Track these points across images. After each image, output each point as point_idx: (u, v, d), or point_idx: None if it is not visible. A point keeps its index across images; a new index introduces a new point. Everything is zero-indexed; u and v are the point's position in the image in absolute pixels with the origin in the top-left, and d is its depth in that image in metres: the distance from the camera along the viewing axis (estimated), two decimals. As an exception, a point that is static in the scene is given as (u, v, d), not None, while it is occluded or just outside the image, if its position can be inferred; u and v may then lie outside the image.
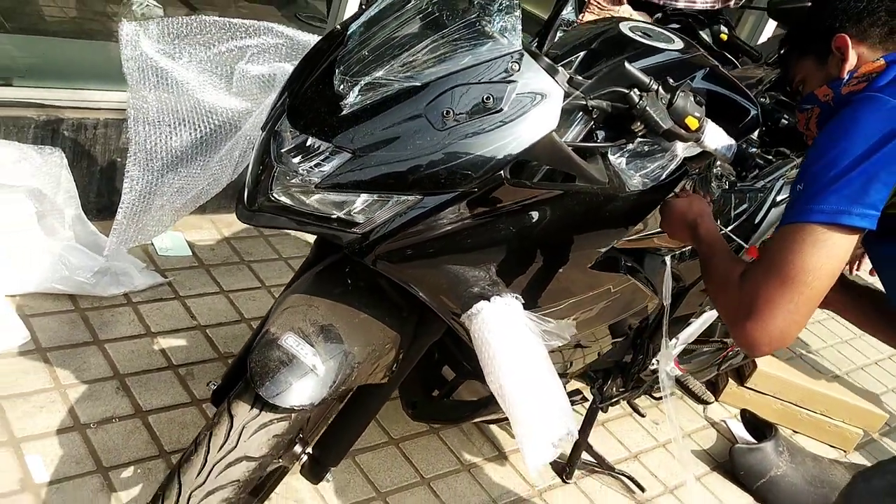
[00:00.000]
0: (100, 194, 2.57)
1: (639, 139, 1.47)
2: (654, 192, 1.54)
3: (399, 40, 1.34)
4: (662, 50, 1.63)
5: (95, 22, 2.95)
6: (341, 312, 1.44)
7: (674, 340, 2.21)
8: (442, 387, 1.98)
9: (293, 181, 1.33)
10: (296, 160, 1.32)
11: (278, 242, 2.89)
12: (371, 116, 1.29)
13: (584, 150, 1.41)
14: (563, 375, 1.98)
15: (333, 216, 1.33)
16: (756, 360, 2.93)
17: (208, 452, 1.32)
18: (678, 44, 1.68)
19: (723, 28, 2.59)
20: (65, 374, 2.05)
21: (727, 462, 2.65)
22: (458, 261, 1.39)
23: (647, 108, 1.38)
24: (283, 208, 1.34)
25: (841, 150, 1.28)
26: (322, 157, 1.31)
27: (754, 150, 1.89)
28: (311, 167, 1.31)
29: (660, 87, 1.40)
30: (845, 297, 1.66)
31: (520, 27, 1.31)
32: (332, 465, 1.65)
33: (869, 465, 2.40)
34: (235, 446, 1.32)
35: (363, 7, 1.49)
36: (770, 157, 2.24)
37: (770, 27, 4.32)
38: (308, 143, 1.32)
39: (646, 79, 1.40)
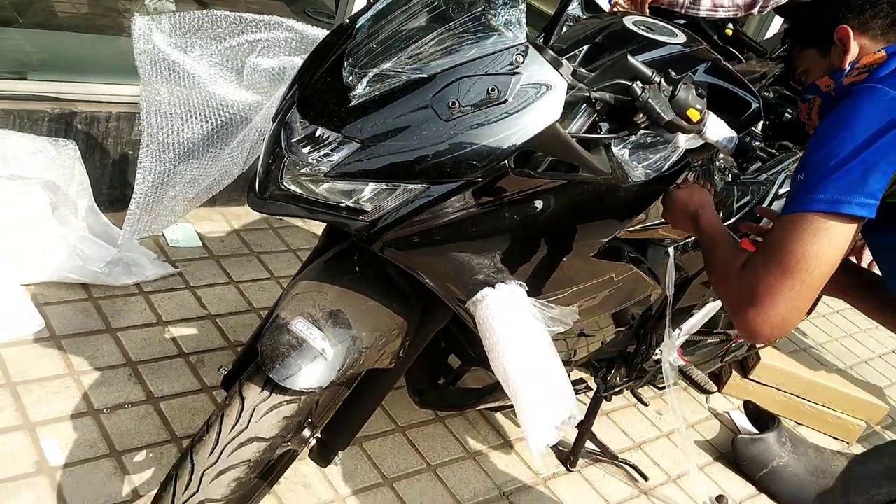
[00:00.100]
0: (112, 186, 2.61)
1: (641, 131, 1.50)
2: (657, 182, 1.57)
3: (406, 33, 1.37)
4: (665, 44, 1.65)
5: (108, 17, 2.99)
6: (349, 299, 1.48)
7: (677, 331, 2.24)
8: (447, 375, 2.02)
9: (303, 170, 1.37)
10: (305, 150, 1.36)
11: (287, 234, 2.93)
12: (379, 107, 1.33)
13: (587, 142, 1.44)
14: (567, 364, 2.02)
15: (342, 204, 1.37)
16: (759, 352, 2.95)
17: (220, 433, 1.36)
18: (681, 38, 1.71)
19: (728, 24, 2.61)
20: (78, 361, 2.10)
21: (730, 452, 2.68)
22: (464, 248, 1.42)
23: (650, 100, 1.42)
24: (294, 197, 1.38)
25: (841, 140, 1.31)
26: (331, 146, 1.35)
27: (757, 143, 1.92)
28: (320, 157, 1.35)
29: (662, 80, 1.43)
30: (851, 284, 1.68)
31: (524, 21, 1.34)
32: (340, 448, 1.69)
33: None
34: (246, 427, 1.35)
35: (371, 2, 1.52)
36: (773, 151, 2.26)
37: (776, 23, 4.33)
38: (317, 134, 1.36)
39: (648, 71, 1.43)
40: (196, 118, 1.96)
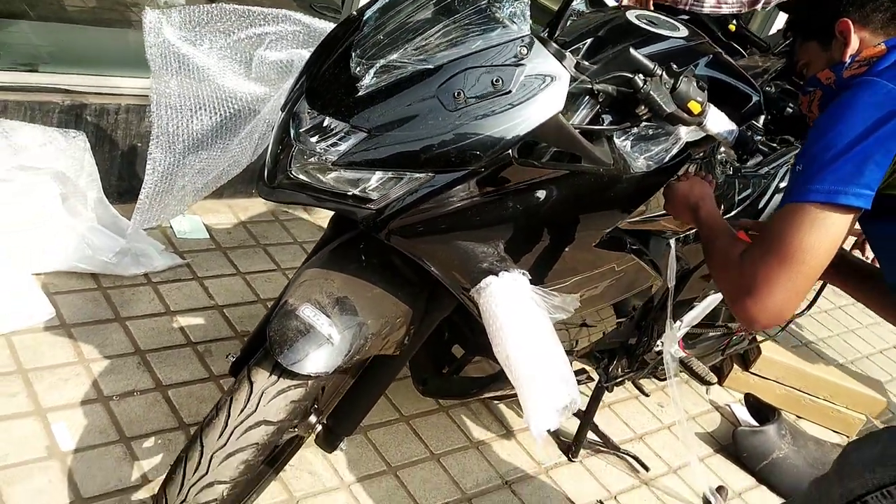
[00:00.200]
0: (120, 178, 2.64)
1: (643, 123, 1.52)
2: (658, 174, 1.59)
3: (413, 25, 1.40)
4: (667, 37, 1.68)
5: (117, 10, 3.02)
6: (356, 286, 1.51)
7: (678, 323, 2.27)
8: (451, 364, 2.05)
9: (311, 159, 1.40)
10: (313, 139, 1.39)
11: (293, 226, 2.97)
12: (386, 98, 1.35)
13: (590, 133, 1.47)
14: (569, 353, 2.04)
15: (349, 193, 1.39)
16: (761, 346, 2.98)
17: (229, 416, 1.39)
18: (683, 32, 1.73)
19: (731, 19, 2.63)
20: (88, 349, 2.13)
21: (731, 444, 2.71)
22: (468, 237, 1.45)
23: (652, 92, 1.44)
24: (302, 185, 1.41)
25: (838, 132, 1.33)
26: (338, 136, 1.38)
27: (759, 137, 1.95)
28: (327, 146, 1.38)
29: (664, 73, 1.46)
30: (852, 276, 1.71)
31: (528, 14, 1.37)
32: (345, 434, 1.72)
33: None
34: (255, 410, 1.39)
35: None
36: (774, 145, 2.28)
37: (780, 19, 4.35)
38: (325, 124, 1.39)
39: (650, 64, 1.46)
40: (205, 110, 1.99)
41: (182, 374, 2.17)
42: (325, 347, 1.40)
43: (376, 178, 1.38)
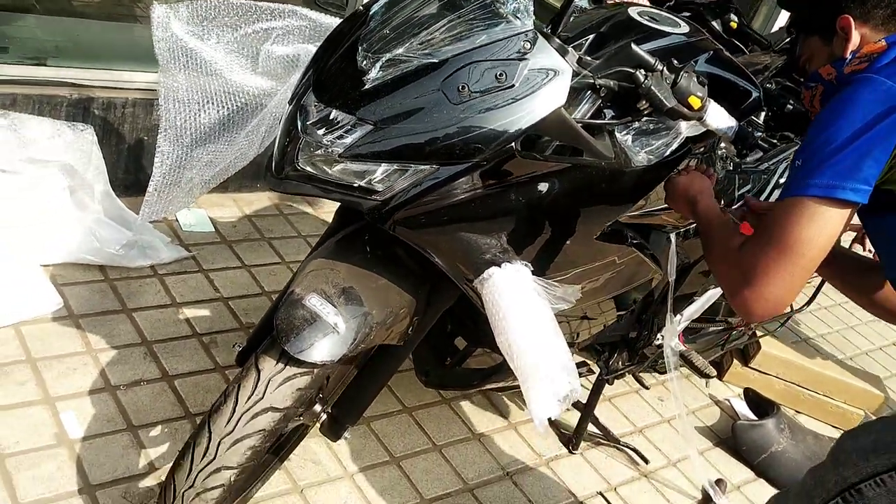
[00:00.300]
0: (127, 171, 2.67)
1: (644, 117, 1.55)
2: (658, 168, 1.62)
3: (418, 20, 1.43)
4: (668, 33, 1.70)
5: (125, 5, 3.05)
6: (361, 277, 1.53)
7: (678, 316, 2.29)
8: (454, 356, 2.08)
9: (317, 152, 1.42)
10: (320, 132, 1.42)
11: (297, 221, 2.99)
12: (391, 91, 1.38)
13: (591, 127, 1.49)
14: (570, 346, 2.06)
15: (355, 185, 1.42)
16: (760, 341, 3.00)
17: (237, 403, 1.42)
18: (684, 28, 1.75)
19: (732, 16, 2.65)
20: (96, 339, 2.16)
21: (730, 438, 2.73)
22: (471, 229, 1.48)
23: (653, 87, 1.47)
24: (308, 177, 1.44)
25: (838, 128, 1.35)
26: (345, 129, 1.40)
27: (759, 133, 1.97)
28: (334, 138, 1.41)
29: (665, 68, 1.48)
30: (844, 268, 1.73)
31: (531, 9, 1.40)
32: (350, 423, 1.74)
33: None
34: (262, 397, 1.41)
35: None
36: (774, 141, 2.31)
37: (782, 18, 4.37)
38: (332, 116, 1.42)
39: (651, 60, 1.48)
40: (212, 104, 2.02)
41: (188, 364, 2.20)
42: (331, 336, 1.43)
43: (382, 170, 1.40)
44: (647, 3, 2.36)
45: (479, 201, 1.44)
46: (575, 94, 1.47)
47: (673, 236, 1.94)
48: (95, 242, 2.36)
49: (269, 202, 3.02)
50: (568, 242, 1.61)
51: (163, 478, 1.83)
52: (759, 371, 3.03)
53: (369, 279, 1.54)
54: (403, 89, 1.37)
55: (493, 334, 1.46)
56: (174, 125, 1.99)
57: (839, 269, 1.74)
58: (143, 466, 1.88)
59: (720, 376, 3.06)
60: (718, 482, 2.49)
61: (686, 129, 1.59)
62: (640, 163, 1.58)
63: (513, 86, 1.35)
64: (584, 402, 2.40)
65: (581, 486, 2.35)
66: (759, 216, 1.64)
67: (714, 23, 2.61)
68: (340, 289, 1.49)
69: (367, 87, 1.39)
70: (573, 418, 2.47)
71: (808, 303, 2.87)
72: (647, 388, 2.76)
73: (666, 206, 1.77)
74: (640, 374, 2.64)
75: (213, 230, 2.75)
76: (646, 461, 2.51)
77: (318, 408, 1.68)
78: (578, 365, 2.26)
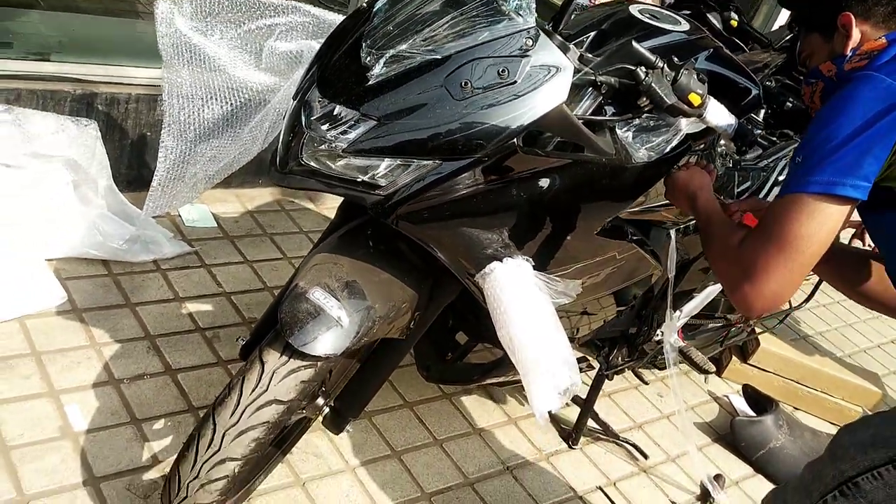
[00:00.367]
0: (130, 166, 2.68)
1: (645, 114, 1.56)
2: (659, 164, 1.63)
3: (422, 17, 1.44)
4: (669, 31, 1.71)
5: (128, 1, 3.06)
6: (364, 271, 1.55)
7: (677, 312, 2.31)
8: (455, 350, 2.09)
9: (321, 147, 1.44)
10: (324, 127, 1.43)
11: (299, 216, 3.01)
12: (395, 87, 1.39)
13: (592, 124, 1.51)
14: (570, 341, 2.08)
15: (358, 180, 1.43)
16: (759, 338, 3.02)
17: (241, 395, 1.44)
18: (684, 26, 1.77)
19: (733, 15, 2.67)
20: (99, 333, 2.18)
21: (728, 434, 2.75)
22: (473, 224, 1.49)
23: (653, 84, 1.48)
24: (312, 172, 1.45)
25: (838, 125, 1.36)
26: (348, 124, 1.42)
27: (759, 131, 1.98)
28: (338, 134, 1.42)
29: (665, 65, 1.50)
30: (842, 262, 1.74)
31: (534, 6, 1.41)
32: (352, 416, 1.76)
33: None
34: (266, 390, 1.43)
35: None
36: (773, 139, 2.32)
37: (783, 16, 4.38)
38: (335, 112, 1.43)
39: (652, 57, 1.49)
40: (216, 99, 2.04)
41: (191, 358, 2.22)
42: (334, 330, 1.44)
43: (385, 165, 1.42)
44: (649, 1, 2.38)
45: (481, 196, 1.45)
46: (576, 91, 1.49)
47: (673, 233, 1.96)
48: (99, 237, 2.38)
49: (271, 198, 3.03)
50: (569, 238, 1.62)
51: (166, 470, 1.85)
52: (758, 368, 3.04)
53: (372, 273, 1.56)
54: (407, 85, 1.38)
55: (495, 329, 1.48)
56: (178, 120, 2.01)
57: (837, 265, 1.76)
58: (147, 459, 1.90)
59: (719, 373, 3.08)
60: (717, 477, 2.51)
61: (686, 125, 1.61)
62: (641, 159, 1.59)
63: (515, 82, 1.37)
64: (584, 397, 2.41)
65: (581, 480, 2.36)
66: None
67: (714, 21, 2.62)
68: (344, 283, 1.50)
69: (370, 83, 1.41)
70: (573, 414, 2.49)
71: (807, 300, 2.88)
72: (646, 383, 2.78)
73: (666, 202, 1.79)
74: (640, 369, 2.65)
75: (216, 225, 2.76)
76: (645, 456, 2.53)
77: (320, 401, 1.70)
78: (578, 360, 2.27)
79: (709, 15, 2.55)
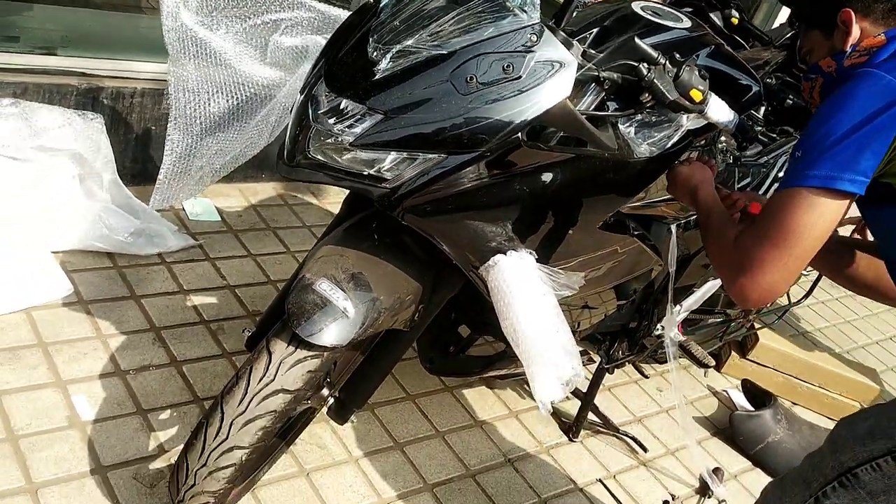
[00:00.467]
0: (134, 160, 2.70)
1: (647, 110, 1.58)
2: (660, 160, 1.65)
3: (428, 12, 1.46)
4: (671, 28, 1.73)
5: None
6: (369, 263, 1.57)
7: (678, 307, 2.33)
8: (457, 344, 2.12)
9: (328, 140, 1.46)
10: (331, 121, 1.45)
11: (302, 211, 3.03)
12: (401, 82, 1.41)
13: (595, 119, 1.53)
14: (572, 334, 2.11)
15: (364, 173, 1.45)
16: (758, 333, 3.04)
17: (248, 384, 1.46)
18: (686, 23, 1.78)
19: (734, 12, 2.69)
20: (105, 325, 2.20)
21: (727, 428, 2.77)
22: (477, 217, 1.51)
23: (655, 80, 1.50)
24: (319, 165, 1.47)
25: (837, 121, 1.38)
26: (355, 118, 1.44)
27: (759, 127, 2.00)
28: (344, 127, 1.44)
29: (667, 62, 1.52)
30: (836, 257, 1.77)
31: (538, 2, 1.43)
32: (357, 407, 1.79)
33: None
34: (273, 379, 1.45)
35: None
36: (773, 136, 2.35)
37: (783, 14, 4.39)
38: (342, 106, 1.45)
39: (654, 53, 1.51)
40: (222, 93, 2.05)
41: (196, 350, 2.24)
42: (340, 320, 1.47)
43: (391, 158, 1.44)
44: None
45: (485, 190, 1.47)
46: (579, 87, 1.51)
47: (674, 227, 1.98)
48: (104, 230, 2.40)
49: (274, 192, 3.06)
50: (571, 231, 1.65)
51: (172, 460, 1.87)
52: (757, 363, 3.07)
53: (377, 265, 1.58)
54: (413, 80, 1.41)
55: (498, 321, 1.50)
56: (184, 114, 2.03)
57: (835, 258, 1.78)
58: (153, 448, 1.92)
59: (718, 368, 3.10)
60: (716, 471, 2.53)
61: (687, 121, 1.63)
62: (643, 154, 1.61)
63: (519, 77, 1.39)
64: (585, 391, 2.44)
65: (581, 473, 2.39)
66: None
67: (715, 18, 2.64)
68: (349, 274, 1.52)
69: (377, 77, 1.43)
70: (573, 407, 2.51)
71: (806, 296, 2.90)
72: (646, 377, 2.80)
73: (667, 197, 1.81)
74: (640, 363, 2.67)
75: (220, 219, 2.78)
76: (644, 450, 2.55)
77: (325, 392, 1.72)
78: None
79: (710, 13, 2.57)
